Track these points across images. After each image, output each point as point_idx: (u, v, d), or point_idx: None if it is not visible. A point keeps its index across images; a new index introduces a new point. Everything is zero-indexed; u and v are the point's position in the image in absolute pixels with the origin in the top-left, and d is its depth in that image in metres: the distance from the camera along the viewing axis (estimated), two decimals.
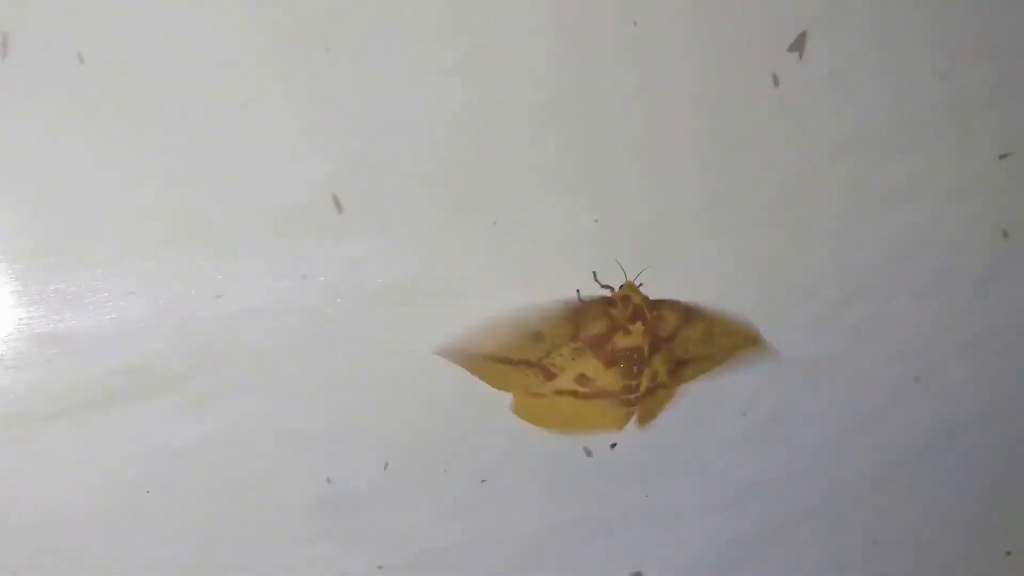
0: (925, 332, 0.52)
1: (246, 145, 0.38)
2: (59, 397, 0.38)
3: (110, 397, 0.39)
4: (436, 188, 0.41)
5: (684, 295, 0.44)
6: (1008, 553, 0.58)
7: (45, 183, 0.36)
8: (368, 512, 0.44)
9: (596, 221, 0.44)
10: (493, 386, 0.42)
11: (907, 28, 0.48)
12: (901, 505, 0.53)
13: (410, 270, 0.42)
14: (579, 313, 0.42)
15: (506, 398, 0.43)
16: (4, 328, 0.37)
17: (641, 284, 0.42)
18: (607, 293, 0.42)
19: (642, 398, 0.43)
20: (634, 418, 0.44)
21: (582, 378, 0.42)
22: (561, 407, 0.43)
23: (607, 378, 0.42)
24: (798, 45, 0.46)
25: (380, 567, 0.45)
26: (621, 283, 0.42)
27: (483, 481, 0.45)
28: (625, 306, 0.42)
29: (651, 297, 0.42)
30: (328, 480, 0.43)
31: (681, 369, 0.45)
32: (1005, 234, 0.52)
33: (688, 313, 0.43)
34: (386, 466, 0.44)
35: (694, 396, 0.48)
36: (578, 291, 0.42)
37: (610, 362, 0.42)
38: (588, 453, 0.47)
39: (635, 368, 0.42)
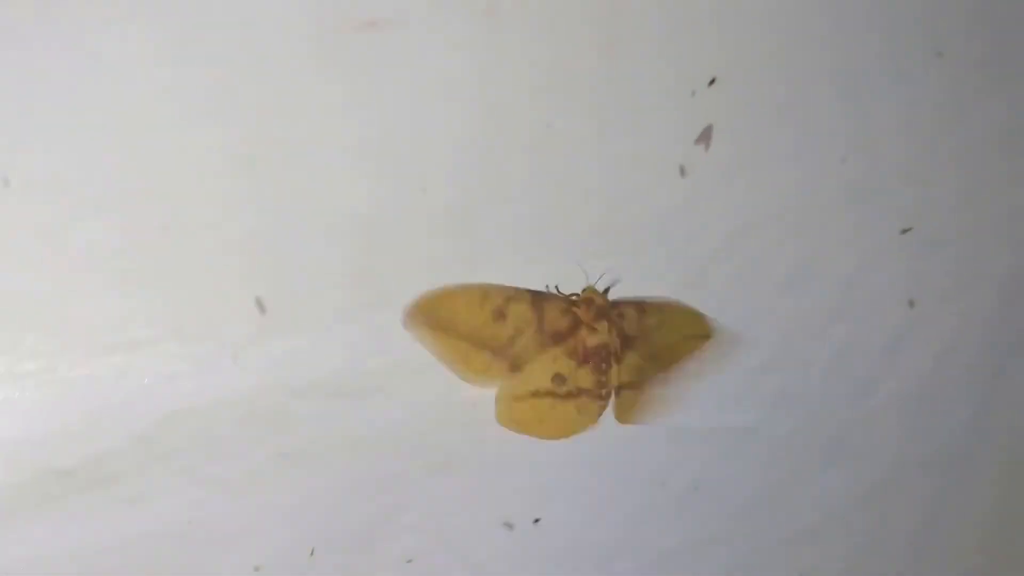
0: (838, 400, 0.54)
1: (170, 253, 0.41)
2: None
3: (41, 499, 0.40)
4: (357, 286, 0.44)
5: None
6: None
7: None
8: None
9: None
10: (455, 370, 0.44)
11: (812, 117, 0.51)
12: (819, 566, 0.56)
13: (335, 366, 0.44)
14: (544, 302, 0.45)
15: (425, 472, 0.46)
16: None
17: (607, 289, 0.46)
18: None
19: (618, 393, 0.46)
20: (610, 413, 0.47)
21: (558, 378, 0.45)
22: (543, 410, 0.45)
23: (581, 376, 0.45)
24: (704, 137, 0.49)
25: None
26: (584, 287, 0.46)
27: (409, 561, 0.47)
28: (588, 307, 0.45)
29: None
30: (256, 568, 0.44)
31: (656, 362, 0.48)
32: (911, 304, 0.55)
33: (641, 306, 0.47)
34: (312, 551, 0.45)
35: (612, 468, 0.50)
36: (547, 286, 0.45)
37: (583, 360, 0.45)
38: (509, 527, 0.49)
39: (603, 365, 0.45)
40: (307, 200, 0.42)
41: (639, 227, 0.48)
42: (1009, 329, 0.57)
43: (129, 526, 0.42)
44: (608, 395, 0.46)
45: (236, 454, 0.43)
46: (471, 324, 0.43)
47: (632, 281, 0.48)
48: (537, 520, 0.50)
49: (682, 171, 0.48)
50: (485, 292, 0.44)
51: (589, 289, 0.45)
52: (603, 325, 0.45)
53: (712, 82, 0.48)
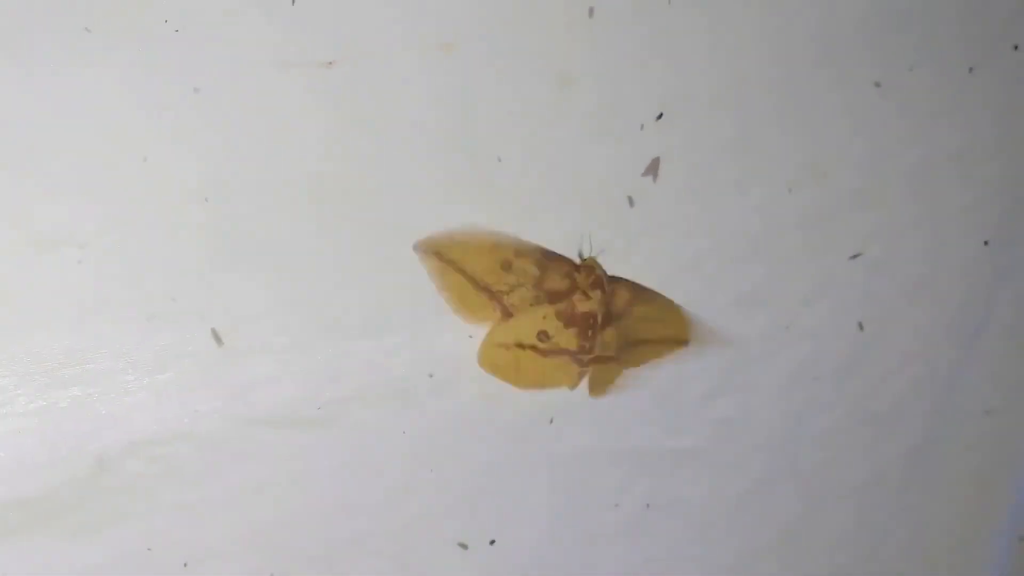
0: (787, 422, 0.56)
1: (127, 285, 0.42)
2: None
3: (2, 530, 0.41)
4: (313, 317, 0.45)
5: None
6: None
7: None
8: None
9: (470, 336, 0.48)
10: (452, 303, 0.46)
11: (758, 148, 0.53)
12: None
13: (292, 395, 0.45)
14: (549, 262, 0.47)
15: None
16: None
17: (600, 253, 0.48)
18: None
19: (595, 361, 0.48)
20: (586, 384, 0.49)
21: (543, 335, 0.47)
22: (524, 362, 0.47)
23: (565, 337, 0.47)
24: (652, 169, 0.51)
25: None
26: (586, 256, 0.48)
27: None
28: (588, 274, 0.47)
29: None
30: None
31: (631, 349, 0.50)
32: (860, 326, 0.57)
33: (638, 292, 0.49)
34: None
35: (566, 491, 0.52)
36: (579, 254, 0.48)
37: (569, 322, 0.47)
38: (465, 548, 0.50)
39: (589, 332, 0.47)
40: (262, 233, 0.43)
41: (586, 251, 0.49)
42: (955, 350, 0.59)
43: (90, 554, 0.43)
44: (589, 361, 0.48)
45: (195, 482, 0.44)
46: (477, 266, 0.46)
47: None
48: (493, 541, 0.51)
49: (631, 202, 0.50)
50: (498, 242, 0.46)
51: (591, 260, 0.48)
52: (597, 294, 0.47)
53: (660, 116, 0.50)
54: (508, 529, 0.51)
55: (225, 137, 0.42)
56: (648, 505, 0.54)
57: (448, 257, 0.45)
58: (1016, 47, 0.56)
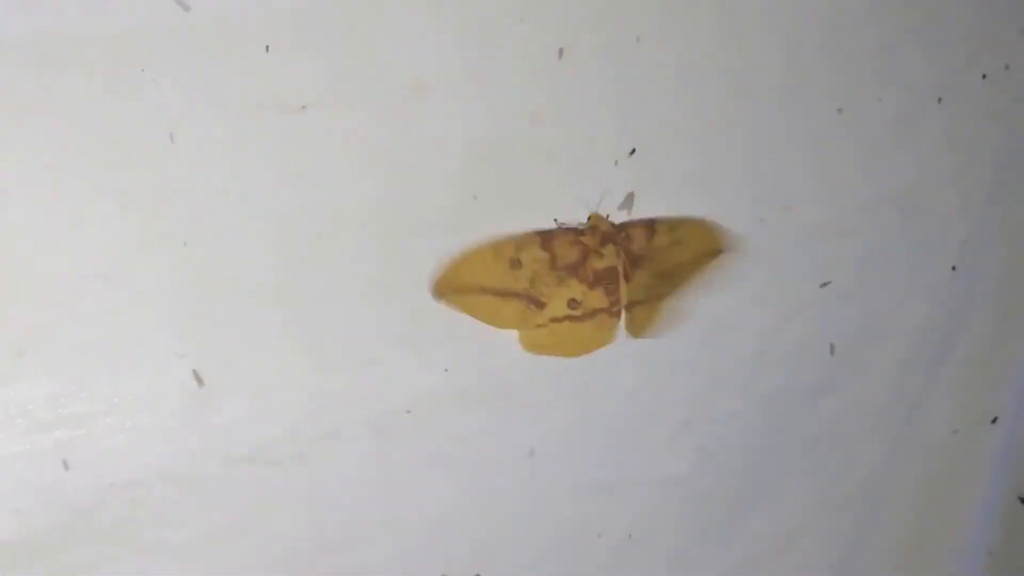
0: (766, 446, 0.57)
1: (107, 329, 0.43)
2: None
3: None
4: (292, 355, 0.46)
5: None
6: None
7: None
8: None
9: (446, 369, 0.49)
10: (490, 323, 0.47)
11: (727, 182, 0.54)
12: None
13: (273, 433, 0.46)
14: (552, 239, 0.48)
15: None
16: None
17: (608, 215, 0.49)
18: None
19: (629, 309, 0.50)
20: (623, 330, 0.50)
21: (572, 302, 0.48)
22: (561, 332, 0.49)
23: (594, 298, 0.48)
24: (627, 204, 0.52)
25: None
26: (589, 215, 0.49)
27: None
28: (594, 234, 0.48)
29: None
30: None
31: (666, 280, 0.51)
32: (831, 351, 0.58)
33: (651, 225, 0.50)
34: None
35: (549, 522, 0.52)
36: (555, 220, 0.49)
37: (593, 283, 0.48)
38: None
39: (612, 286, 0.49)
40: (240, 274, 0.44)
41: None
42: (923, 373, 0.60)
43: None
44: (620, 312, 0.49)
45: (178, 522, 0.45)
46: (492, 278, 0.47)
47: None
48: (478, 575, 0.51)
49: None
50: (496, 246, 0.47)
51: (594, 216, 0.49)
52: (609, 249, 0.48)
53: (632, 152, 0.51)
54: (491, 562, 0.51)
55: (201, 181, 0.42)
56: (630, 536, 0.54)
57: (463, 288, 0.46)
58: (984, 76, 0.58)
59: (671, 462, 0.54)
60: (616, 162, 0.51)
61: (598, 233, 0.48)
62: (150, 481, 0.44)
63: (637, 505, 0.54)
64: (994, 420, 0.62)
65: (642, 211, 0.51)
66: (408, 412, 0.48)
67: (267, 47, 0.43)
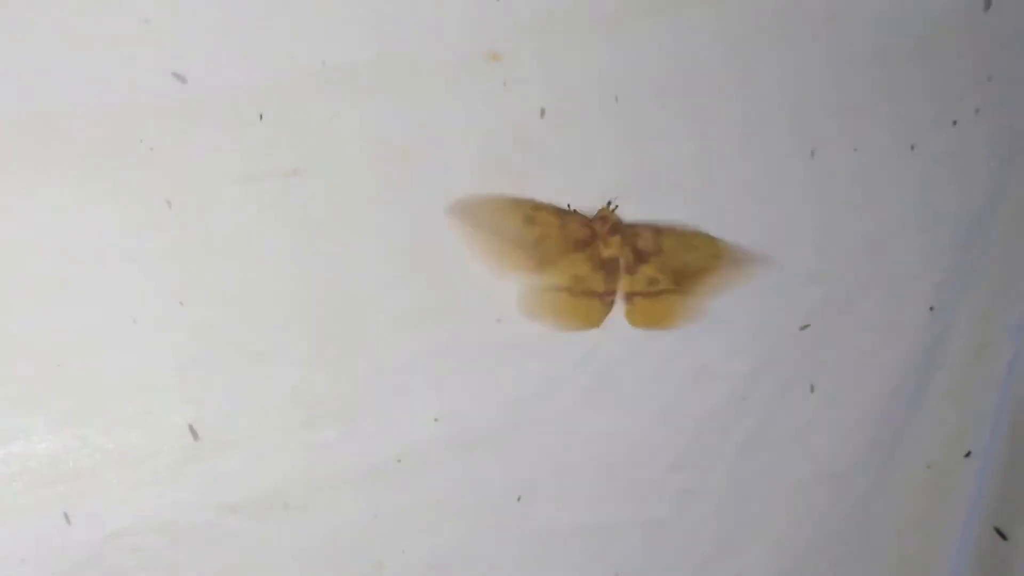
0: (749, 487, 0.58)
1: (106, 386, 0.44)
2: None
3: None
4: (287, 408, 0.47)
5: None
6: None
7: None
8: None
9: (436, 419, 0.51)
10: (488, 262, 0.50)
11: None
12: None
13: (267, 485, 0.47)
14: (566, 217, 0.51)
15: None
16: None
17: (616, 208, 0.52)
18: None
19: (630, 300, 0.53)
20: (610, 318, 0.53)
21: (575, 277, 0.51)
22: (560, 304, 0.52)
23: (594, 280, 0.52)
24: None
25: None
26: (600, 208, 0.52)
27: None
28: (603, 223, 0.51)
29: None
30: None
31: (688, 279, 0.54)
32: (811, 391, 0.59)
33: (658, 229, 0.53)
34: None
35: (537, 565, 0.53)
36: (567, 205, 0.52)
37: (598, 266, 0.51)
38: None
39: (613, 275, 0.52)
40: (235, 332, 0.46)
41: (543, 337, 0.52)
42: (901, 410, 0.62)
43: None
44: (613, 302, 0.52)
45: (175, 571, 0.46)
46: (505, 224, 0.50)
47: (537, 385, 0.52)
48: None
49: None
50: (516, 200, 0.50)
51: (604, 208, 0.52)
52: (616, 240, 0.51)
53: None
54: None
55: (197, 246, 0.44)
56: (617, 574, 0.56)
57: (477, 218, 0.49)
58: (955, 123, 0.60)
59: (656, 505, 0.56)
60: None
61: (607, 223, 0.51)
62: (147, 531, 0.45)
63: (623, 547, 0.55)
64: (968, 454, 0.64)
65: None
66: (398, 461, 0.49)
67: (260, 115, 0.45)
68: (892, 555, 0.63)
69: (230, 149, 0.44)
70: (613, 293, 0.52)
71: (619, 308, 0.53)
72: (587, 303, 0.52)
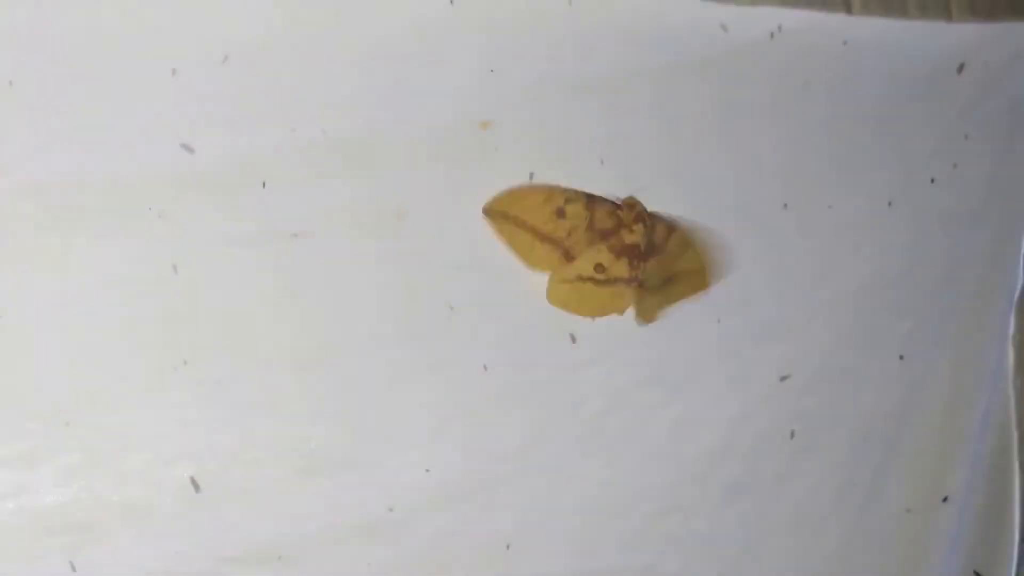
0: (732, 534, 0.60)
1: (110, 444, 0.47)
2: None
3: None
4: (286, 459, 0.50)
5: None
6: None
7: None
8: None
9: (427, 470, 0.53)
10: (521, 256, 0.53)
11: None
12: None
13: (266, 536, 0.49)
14: (595, 204, 0.54)
15: None
16: None
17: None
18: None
19: (641, 287, 0.55)
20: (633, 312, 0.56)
21: (599, 267, 0.54)
22: (585, 293, 0.54)
23: (618, 267, 0.54)
24: None
25: None
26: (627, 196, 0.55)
27: None
28: (631, 210, 0.54)
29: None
30: None
31: (663, 279, 0.56)
32: (792, 434, 0.62)
33: (671, 225, 0.56)
34: None
35: None
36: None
37: (620, 254, 0.54)
38: None
39: (635, 261, 0.55)
40: (236, 389, 0.48)
41: (532, 388, 0.55)
42: (878, 455, 0.64)
43: None
44: (638, 286, 0.55)
45: None
46: (536, 220, 0.52)
47: (526, 435, 0.55)
48: None
49: (572, 338, 0.56)
50: (549, 192, 0.53)
51: (631, 198, 0.54)
52: (639, 228, 0.54)
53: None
54: None
55: (201, 307, 0.47)
56: None
57: (512, 216, 0.52)
58: (933, 180, 0.63)
59: (640, 551, 0.58)
60: None
61: (633, 211, 0.54)
62: None
63: None
64: (945, 499, 0.66)
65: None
66: (391, 511, 0.51)
67: (263, 183, 0.47)
68: None
69: (234, 215, 0.47)
70: (637, 278, 0.55)
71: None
72: (612, 290, 0.55)
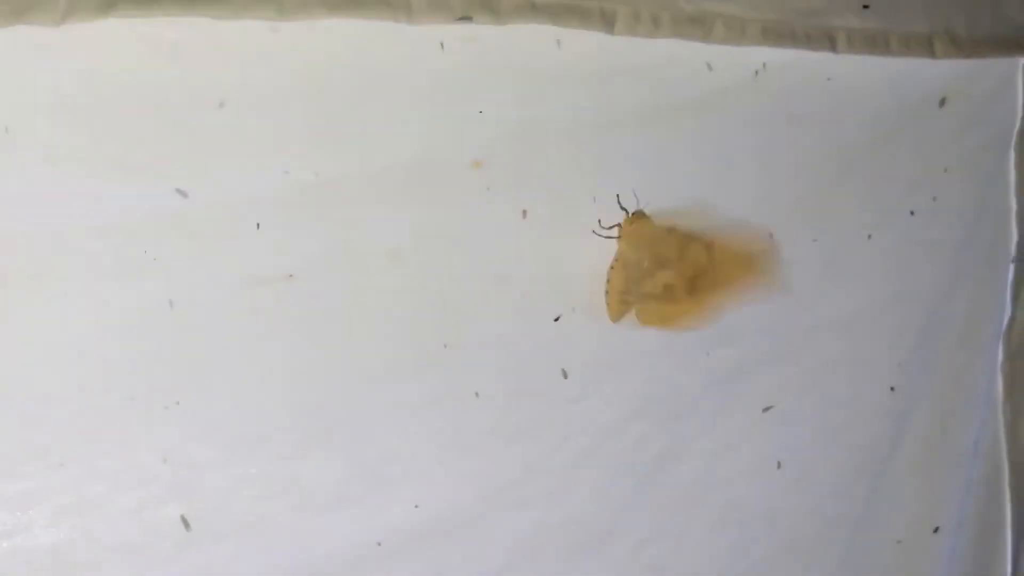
0: (717, 564, 0.61)
1: (104, 485, 0.47)
2: None
3: None
4: (269, 499, 0.50)
5: None
6: None
7: None
8: None
9: (416, 505, 0.53)
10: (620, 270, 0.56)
11: None
12: None
13: (253, 570, 0.50)
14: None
15: None
16: None
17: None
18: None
19: (651, 299, 0.57)
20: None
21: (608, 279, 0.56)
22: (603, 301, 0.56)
23: (616, 279, 0.56)
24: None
25: None
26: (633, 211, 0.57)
27: None
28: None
29: None
30: None
31: (705, 290, 0.58)
32: (779, 465, 0.62)
33: (688, 236, 0.58)
34: None
35: None
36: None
37: (624, 266, 0.56)
38: None
39: (635, 275, 0.57)
40: (226, 427, 0.49)
41: (523, 423, 0.55)
42: (867, 485, 0.64)
43: None
44: (632, 300, 0.57)
45: None
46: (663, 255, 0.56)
47: (514, 470, 0.55)
48: None
49: (564, 374, 0.56)
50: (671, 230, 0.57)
51: (639, 211, 0.56)
52: (645, 244, 0.56)
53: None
54: None
55: (195, 348, 0.48)
56: None
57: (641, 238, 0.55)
58: (912, 213, 0.64)
59: None
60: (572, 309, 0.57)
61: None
62: None
63: None
64: (936, 530, 0.66)
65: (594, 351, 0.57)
66: (379, 544, 0.52)
67: (257, 225, 0.48)
68: None
69: (229, 257, 0.48)
70: (630, 292, 0.56)
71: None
72: (609, 301, 0.56)
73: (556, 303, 0.55)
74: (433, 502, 0.53)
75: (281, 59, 0.49)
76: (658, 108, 0.58)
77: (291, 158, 0.49)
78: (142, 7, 0.42)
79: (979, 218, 0.66)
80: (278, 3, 0.46)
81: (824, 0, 0.58)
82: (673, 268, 0.57)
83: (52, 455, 0.46)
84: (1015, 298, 0.66)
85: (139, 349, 0.46)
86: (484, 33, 0.51)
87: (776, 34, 0.57)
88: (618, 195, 0.55)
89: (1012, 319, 0.66)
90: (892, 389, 0.64)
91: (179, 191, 0.47)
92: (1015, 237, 0.65)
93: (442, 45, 0.52)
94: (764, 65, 0.59)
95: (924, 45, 0.62)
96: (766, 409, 0.61)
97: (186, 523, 0.48)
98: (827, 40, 0.60)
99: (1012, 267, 0.66)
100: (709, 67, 0.58)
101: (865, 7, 0.59)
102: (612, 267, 0.56)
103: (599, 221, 0.55)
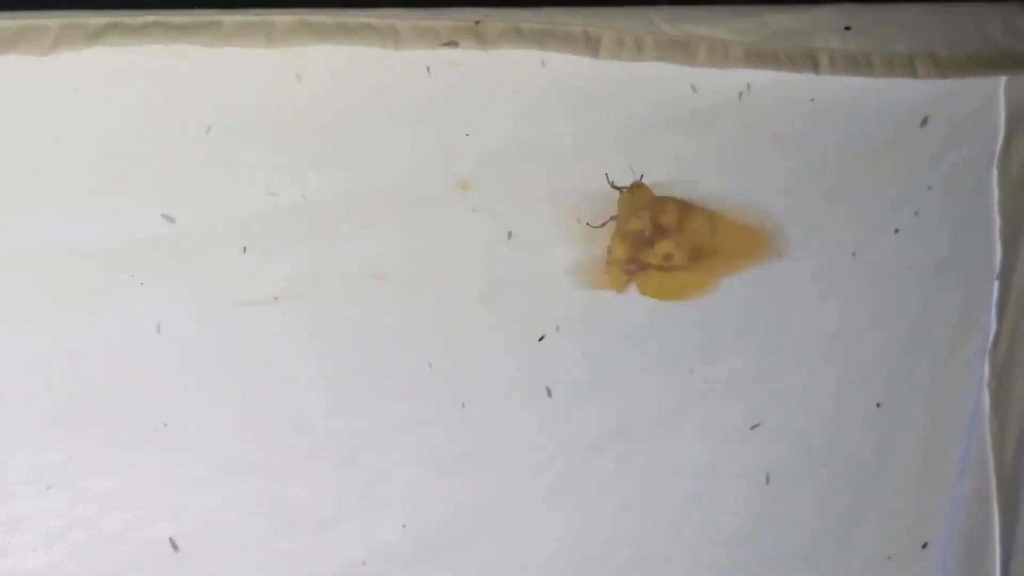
0: None
1: (91, 509, 0.48)
2: None
3: None
4: (263, 517, 0.50)
5: None
6: None
7: None
8: None
9: (404, 526, 0.53)
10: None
11: (665, 332, 0.60)
12: None
13: None
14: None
15: None
16: None
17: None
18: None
19: (653, 269, 0.58)
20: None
21: (608, 248, 0.57)
22: (601, 270, 0.57)
23: (620, 249, 0.57)
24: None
25: None
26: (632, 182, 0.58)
27: None
28: (635, 195, 0.57)
29: None
30: None
31: (705, 259, 0.58)
32: (768, 479, 0.62)
33: (686, 206, 0.59)
34: None
35: None
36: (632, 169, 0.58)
37: (624, 238, 0.57)
38: None
39: (639, 245, 0.57)
40: (213, 449, 0.50)
41: (508, 442, 0.56)
42: (854, 500, 0.65)
43: None
44: (634, 269, 0.58)
45: None
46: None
47: (500, 491, 0.55)
48: None
49: (548, 392, 0.57)
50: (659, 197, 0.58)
51: (636, 183, 0.57)
52: (645, 214, 0.57)
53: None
54: None
55: (181, 371, 0.49)
56: None
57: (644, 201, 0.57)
58: (897, 231, 0.65)
59: None
60: (558, 327, 0.57)
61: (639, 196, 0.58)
62: None
63: None
64: (925, 545, 0.66)
65: (584, 371, 0.58)
66: (364, 564, 0.52)
67: (244, 248, 0.49)
68: None
69: (216, 280, 0.48)
70: (636, 262, 0.57)
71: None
72: (611, 270, 0.57)
73: (540, 323, 0.56)
74: (421, 522, 0.53)
75: (268, 84, 0.50)
76: (643, 129, 0.59)
77: (278, 181, 0.50)
78: (130, 37, 0.43)
79: (963, 235, 0.66)
80: (266, 31, 0.47)
81: (806, 22, 0.59)
82: (673, 238, 0.58)
83: (40, 478, 0.46)
84: (1000, 314, 0.67)
85: (127, 372, 0.47)
86: (470, 57, 0.52)
87: (759, 56, 0.58)
88: (607, 174, 0.57)
89: (997, 335, 0.67)
90: (878, 405, 0.65)
91: (165, 216, 0.47)
92: (999, 254, 0.66)
93: (428, 69, 0.53)
94: (748, 86, 0.60)
95: (906, 65, 0.63)
96: (753, 427, 0.62)
97: (174, 544, 0.49)
98: (810, 61, 0.60)
99: (996, 283, 0.67)
100: (694, 88, 0.59)
101: (847, 29, 0.60)
102: (613, 238, 0.57)
103: (587, 224, 0.56)
